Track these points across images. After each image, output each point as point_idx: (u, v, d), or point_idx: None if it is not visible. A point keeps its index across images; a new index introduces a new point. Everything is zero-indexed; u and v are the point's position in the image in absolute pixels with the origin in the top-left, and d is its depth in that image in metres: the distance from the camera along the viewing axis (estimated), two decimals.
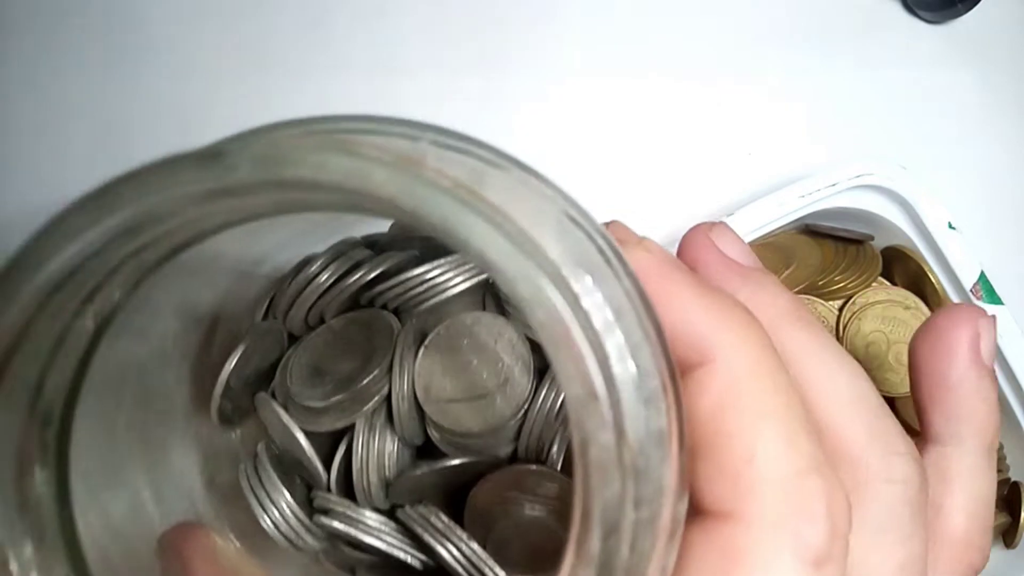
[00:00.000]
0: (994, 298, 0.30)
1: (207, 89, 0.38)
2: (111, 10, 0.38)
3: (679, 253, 0.19)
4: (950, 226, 0.31)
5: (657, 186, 0.38)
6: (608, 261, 0.15)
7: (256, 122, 0.14)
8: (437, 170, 0.13)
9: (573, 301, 0.12)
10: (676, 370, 0.14)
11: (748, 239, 0.31)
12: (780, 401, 0.13)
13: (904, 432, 0.16)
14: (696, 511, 0.14)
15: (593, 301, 0.13)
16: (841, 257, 0.33)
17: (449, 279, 0.20)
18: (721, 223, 0.18)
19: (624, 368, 0.13)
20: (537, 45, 0.39)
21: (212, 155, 0.12)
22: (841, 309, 0.33)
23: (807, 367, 0.15)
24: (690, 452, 0.14)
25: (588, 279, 0.13)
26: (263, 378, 0.22)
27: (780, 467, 0.13)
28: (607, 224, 0.21)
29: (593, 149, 0.38)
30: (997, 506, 0.33)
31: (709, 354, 0.14)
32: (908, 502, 0.15)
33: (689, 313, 0.14)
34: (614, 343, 0.13)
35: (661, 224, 0.36)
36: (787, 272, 0.33)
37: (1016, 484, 0.33)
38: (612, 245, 0.15)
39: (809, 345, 0.16)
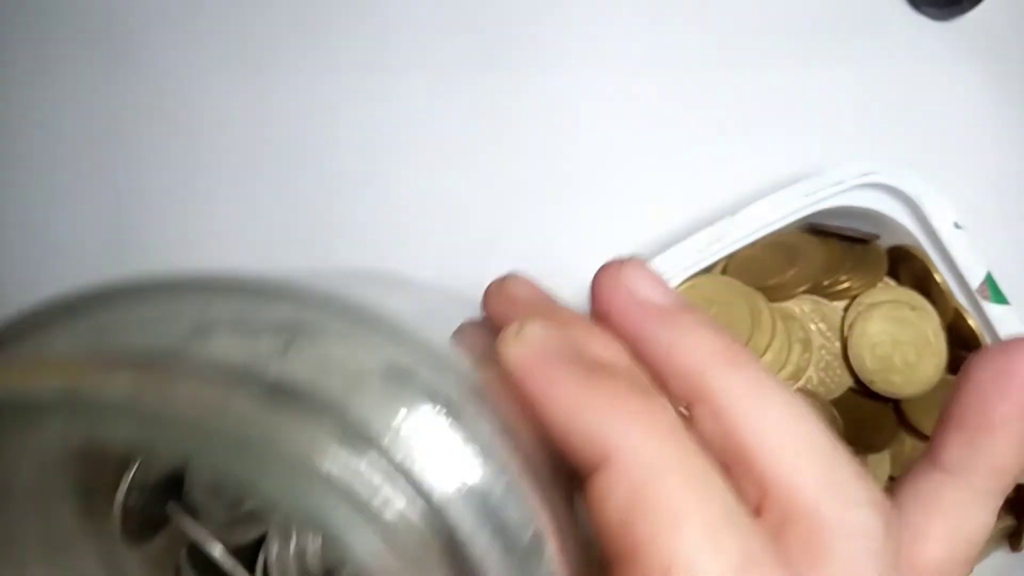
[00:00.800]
0: (1000, 298, 0.29)
1: (203, 89, 0.38)
2: (108, 11, 0.39)
3: (591, 301, 0.16)
4: (956, 226, 0.30)
5: (659, 185, 0.37)
6: (450, 410, 0.12)
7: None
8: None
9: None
10: (560, 506, 0.12)
11: (753, 238, 0.30)
12: (694, 496, 0.12)
13: (865, 475, 0.14)
14: None
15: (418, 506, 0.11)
16: (846, 256, 0.33)
17: None
18: (632, 259, 0.16)
19: (488, 544, 0.11)
20: (535, 42, 0.38)
21: None
22: (846, 309, 0.32)
23: (745, 415, 0.13)
24: (607, 565, 0.12)
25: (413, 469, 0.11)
26: (173, 480, 0.21)
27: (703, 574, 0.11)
28: (504, 280, 0.18)
29: (593, 148, 0.37)
30: (1003, 508, 0.31)
31: (606, 454, 0.12)
32: (873, 554, 0.13)
33: (577, 411, 0.13)
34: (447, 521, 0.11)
35: (663, 223, 0.36)
36: (791, 272, 0.32)
37: (1021, 487, 0.31)
38: (460, 381, 0.12)
39: (745, 390, 0.14)
